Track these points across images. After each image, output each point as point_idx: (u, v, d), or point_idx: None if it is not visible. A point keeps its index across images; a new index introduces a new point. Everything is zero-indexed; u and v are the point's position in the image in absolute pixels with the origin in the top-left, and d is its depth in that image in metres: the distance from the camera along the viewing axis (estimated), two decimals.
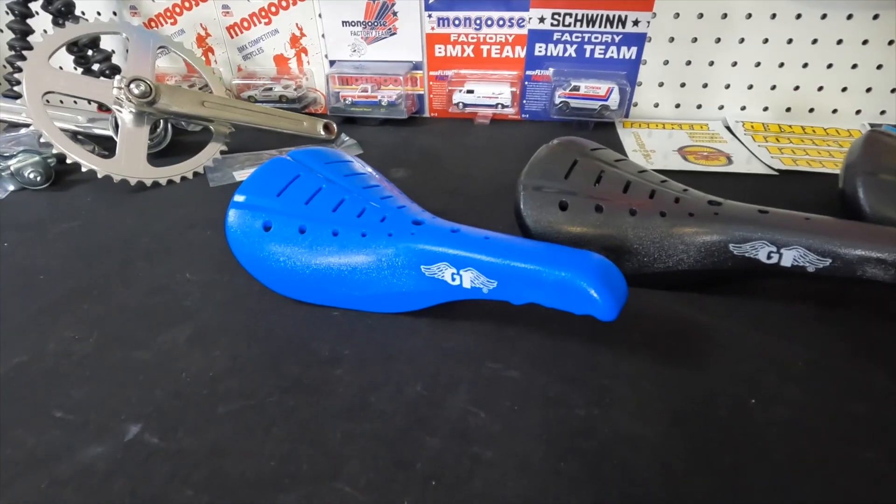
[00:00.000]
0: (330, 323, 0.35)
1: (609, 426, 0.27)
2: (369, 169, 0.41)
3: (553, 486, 0.24)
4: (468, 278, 0.31)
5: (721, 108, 0.69)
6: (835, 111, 0.67)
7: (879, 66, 0.63)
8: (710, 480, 0.24)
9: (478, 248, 0.30)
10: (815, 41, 0.63)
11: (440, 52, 0.71)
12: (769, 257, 0.33)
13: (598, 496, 0.24)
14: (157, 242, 0.45)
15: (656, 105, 0.71)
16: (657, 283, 0.37)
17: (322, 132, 0.63)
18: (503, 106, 0.71)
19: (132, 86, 0.52)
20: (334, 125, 0.64)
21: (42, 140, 0.50)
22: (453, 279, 0.32)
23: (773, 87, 0.67)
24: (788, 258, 0.32)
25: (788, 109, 0.68)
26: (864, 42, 0.62)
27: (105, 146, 0.58)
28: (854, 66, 0.63)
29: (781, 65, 0.65)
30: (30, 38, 0.62)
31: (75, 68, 0.67)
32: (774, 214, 0.33)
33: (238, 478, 0.25)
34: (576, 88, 0.67)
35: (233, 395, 0.29)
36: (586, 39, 0.67)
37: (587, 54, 0.68)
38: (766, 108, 0.68)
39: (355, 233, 0.34)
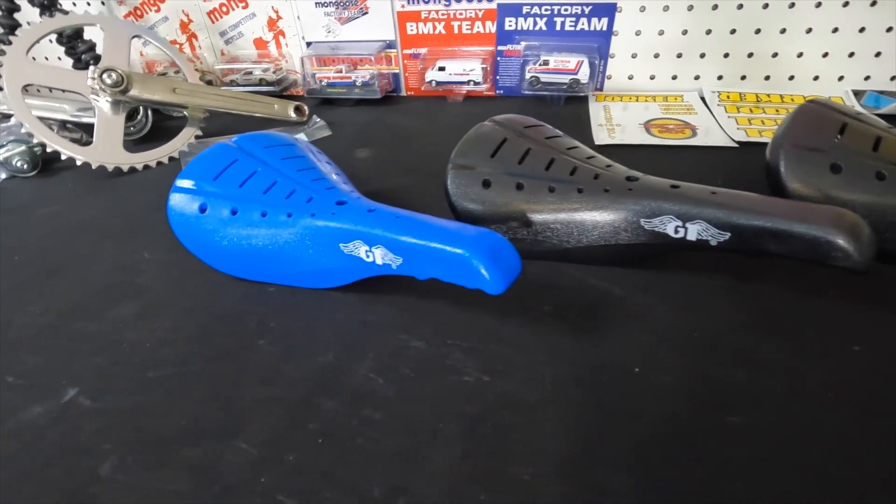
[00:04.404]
0: (264, 298, 0.37)
1: (494, 392, 0.29)
2: (312, 151, 0.42)
3: (426, 443, 0.26)
4: (379, 255, 0.33)
5: (697, 78, 0.68)
6: (816, 78, 0.64)
7: (862, 30, 0.60)
8: (577, 439, 0.26)
9: (386, 226, 0.32)
10: (792, 5, 0.60)
11: (412, 30, 0.71)
12: (676, 231, 0.33)
13: (466, 451, 0.26)
14: (126, 224, 0.48)
15: (630, 77, 0.69)
16: (577, 258, 0.37)
17: (293, 114, 0.65)
18: (475, 83, 0.71)
19: (104, 76, 0.55)
20: (305, 107, 0.66)
21: (23, 130, 0.54)
22: (367, 256, 0.33)
23: (750, 55, 0.64)
24: (693, 232, 0.33)
25: (767, 78, 0.66)
26: (845, 4, 0.59)
27: (93, 134, 0.62)
28: (835, 30, 0.61)
29: (758, 31, 0.63)
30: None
31: (70, 59, 0.70)
32: (684, 188, 0.34)
33: (152, 434, 0.28)
34: (545, 63, 0.66)
35: (163, 363, 0.32)
36: (556, 12, 0.66)
37: (558, 27, 0.67)
38: (743, 77, 0.66)
39: (282, 213, 0.36)
